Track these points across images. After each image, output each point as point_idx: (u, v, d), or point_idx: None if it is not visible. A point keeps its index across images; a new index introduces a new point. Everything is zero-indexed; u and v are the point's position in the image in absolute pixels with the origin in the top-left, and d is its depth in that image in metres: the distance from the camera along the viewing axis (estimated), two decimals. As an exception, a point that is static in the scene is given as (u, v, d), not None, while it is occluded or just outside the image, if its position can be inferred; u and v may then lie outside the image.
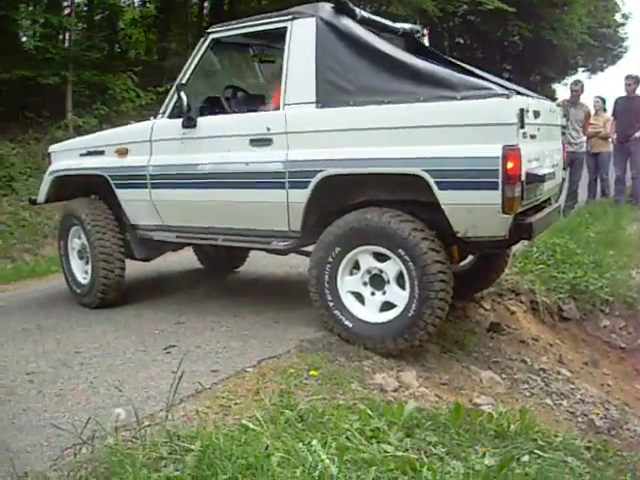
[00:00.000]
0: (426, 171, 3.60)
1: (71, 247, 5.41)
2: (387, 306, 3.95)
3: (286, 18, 4.25)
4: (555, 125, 4.60)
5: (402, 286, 3.84)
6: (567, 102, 9.25)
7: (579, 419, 4.14)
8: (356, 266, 4.01)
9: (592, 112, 9.77)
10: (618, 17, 36.82)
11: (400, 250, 3.72)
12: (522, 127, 3.52)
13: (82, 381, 3.54)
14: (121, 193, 4.99)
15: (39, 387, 3.50)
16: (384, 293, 3.95)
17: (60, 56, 12.27)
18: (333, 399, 3.20)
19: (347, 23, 4.10)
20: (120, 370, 3.67)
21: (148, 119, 4.97)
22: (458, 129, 3.58)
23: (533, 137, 3.81)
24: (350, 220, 3.90)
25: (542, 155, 4.02)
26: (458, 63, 4.47)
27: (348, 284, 4.02)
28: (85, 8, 14.30)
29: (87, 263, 5.21)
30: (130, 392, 3.29)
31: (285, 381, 3.37)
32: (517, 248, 6.45)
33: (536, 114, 3.90)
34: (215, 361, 3.70)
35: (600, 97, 10.17)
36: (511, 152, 3.41)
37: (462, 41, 29.97)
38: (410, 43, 4.86)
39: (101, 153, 5.12)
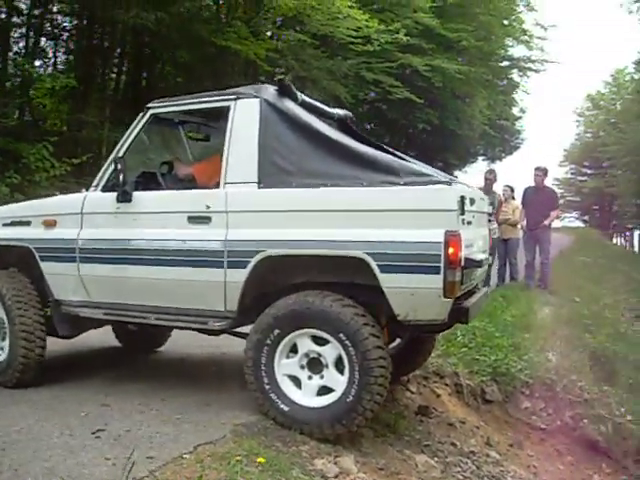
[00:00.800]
0: (368, 254, 3.66)
1: None
2: (324, 390, 3.91)
3: (229, 97, 4.31)
4: (484, 212, 4.80)
5: (341, 371, 3.82)
6: (480, 190, 9.70)
7: (512, 503, 4.18)
8: (293, 349, 3.96)
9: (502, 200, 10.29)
10: (516, 111, 39.36)
11: (341, 335, 3.72)
12: (462, 213, 3.67)
13: (5, 468, 3.27)
14: (46, 266, 4.77)
15: (-45, 475, 3.23)
16: (322, 377, 3.91)
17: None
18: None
19: (290, 106, 4.20)
20: (47, 456, 3.42)
21: (66, 191, 4.88)
22: (401, 214, 3.69)
23: (469, 223, 3.97)
24: (290, 302, 3.88)
25: (475, 241, 4.18)
26: (389, 149, 4.63)
27: (285, 367, 3.97)
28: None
29: (3, 339, 4.92)
30: (63, 481, 3.09)
31: (225, 468, 3.26)
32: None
33: (472, 201, 4.08)
34: (149, 447, 3.53)
35: (509, 186, 10.73)
36: (452, 237, 3.53)
37: (370, 127, 31.14)
38: (344, 128, 5.00)
39: (27, 224, 4.93)
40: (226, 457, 3.42)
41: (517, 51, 30.89)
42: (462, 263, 3.62)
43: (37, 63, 14.36)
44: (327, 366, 3.87)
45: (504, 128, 39.86)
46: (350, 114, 5.20)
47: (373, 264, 3.65)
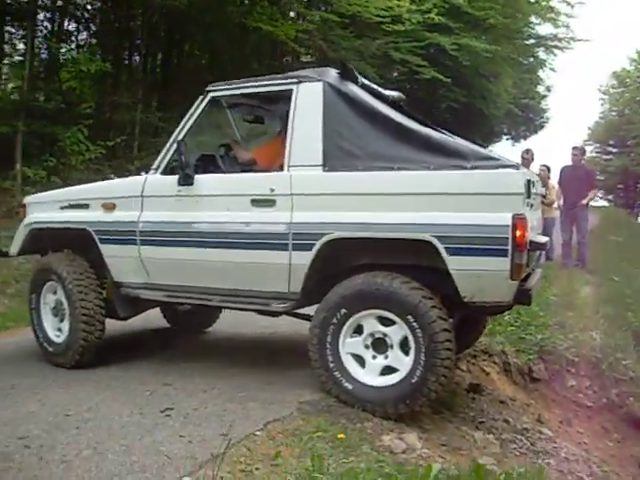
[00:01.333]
0: (435, 237, 3.70)
1: (44, 302, 5.21)
2: (388, 370, 3.97)
3: (292, 81, 4.34)
4: (539, 194, 4.83)
5: (406, 352, 3.88)
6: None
7: (569, 477, 4.24)
8: (358, 329, 4.03)
9: (539, 180, 10.25)
10: (541, 89, 38.94)
11: (409, 316, 3.78)
12: (529, 197, 3.71)
13: (84, 446, 3.38)
14: (106, 249, 4.86)
15: (38, 453, 3.32)
16: (386, 357, 3.98)
17: (10, 104, 12.08)
18: (350, 462, 3.21)
19: (353, 89, 4.23)
20: (123, 435, 3.53)
21: (102, 175, 4.96)
22: (468, 197, 3.72)
23: (532, 206, 4.01)
24: (359, 283, 3.93)
25: (536, 224, 4.22)
26: (444, 131, 4.67)
27: (350, 346, 4.03)
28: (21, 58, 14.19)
29: (62, 321, 5.05)
30: (141, 458, 3.20)
31: (297, 445, 3.36)
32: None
33: (534, 184, 4.11)
34: (220, 425, 3.63)
35: (545, 165, 10.68)
36: (520, 221, 3.57)
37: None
38: (398, 110, 5.04)
39: (85, 207, 5.01)
40: (296, 434, 3.52)
41: (543, 29, 30.47)
42: (527, 246, 3.67)
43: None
44: (392, 346, 3.93)
45: (529, 107, 39.52)
46: (403, 96, 5.20)
47: (440, 247, 3.69)
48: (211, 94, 4.63)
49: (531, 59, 32.21)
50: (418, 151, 3.92)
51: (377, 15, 16.99)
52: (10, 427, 3.72)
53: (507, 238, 3.57)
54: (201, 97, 4.64)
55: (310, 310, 4.37)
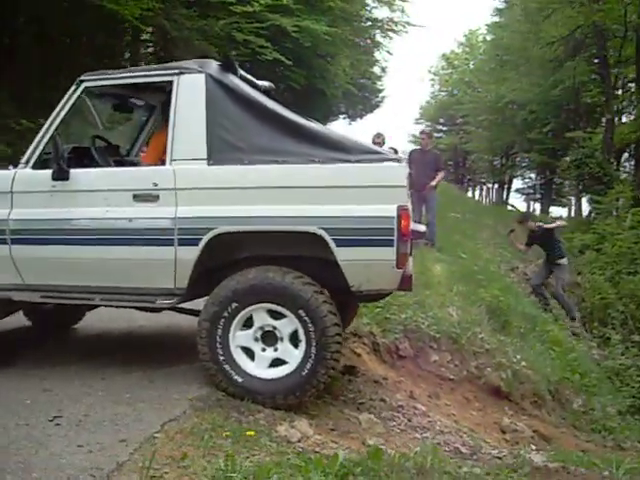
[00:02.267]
0: (324, 229, 3.82)
1: None
2: (277, 362, 4.07)
3: (171, 72, 4.26)
4: None
5: (295, 345, 3.99)
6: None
7: (445, 449, 4.54)
8: (248, 322, 4.08)
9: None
10: (377, 70, 40.36)
11: (301, 311, 3.88)
12: (410, 189, 3.90)
13: None
14: None
15: None
16: (275, 350, 4.07)
17: None
18: (255, 457, 3.26)
19: (235, 81, 4.22)
20: (14, 450, 3.31)
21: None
22: (354, 190, 3.88)
23: (410, 196, 4.21)
24: (251, 277, 3.97)
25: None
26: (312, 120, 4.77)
27: (239, 339, 4.08)
28: None
29: None
30: (44, 475, 3.02)
31: (200, 444, 3.36)
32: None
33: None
34: (115, 430, 3.54)
35: (393, 148, 11.13)
36: (404, 212, 3.78)
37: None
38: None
39: None
40: (195, 432, 3.53)
41: (380, 13, 31.53)
42: (411, 235, 3.87)
43: None
44: (282, 339, 4.03)
45: (365, 87, 40.87)
46: (273, 85, 5.23)
47: (329, 239, 3.82)
48: (85, 84, 4.42)
49: (368, 41, 33.28)
50: (302, 144, 4.01)
51: (221, -6, 16.81)
52: None
53: (393, 229, 3.77)
54: (74, 87, 4.41)
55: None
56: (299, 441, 3.69)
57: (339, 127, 43.51)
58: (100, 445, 3.32)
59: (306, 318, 3.87)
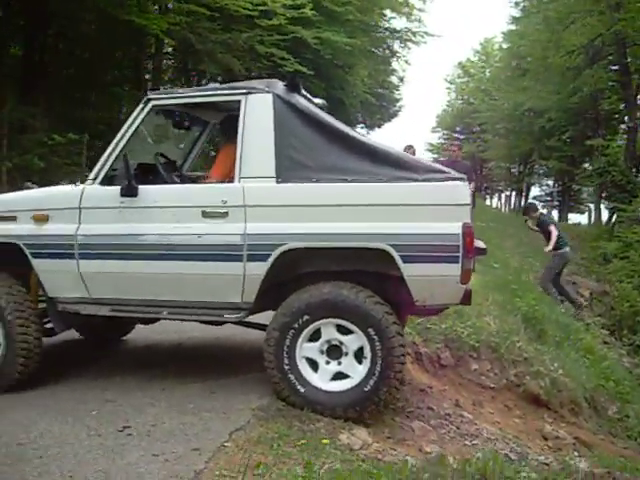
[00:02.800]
0: (391, 246, 3.97)
1: None
2: (340, 376, 4.20)
3: (240, 92, 4.42)
4: None
5: (359, 360, 4.13)
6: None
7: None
8: (315, 334, 4.21)
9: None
10: (395, 80, 40.52)
11: (370, 329, 4.02)
12: (474, 207, 4.06)
13: (59, 476, 3.29)
14: (40, 263, 4.65)
15: (6, 485, 3.24)
16: (339, 364, 4.20)
17: None
18: (326, 464, 3.41)
19: (300, 100, 4.37)
20: (92, 460, 3.46)
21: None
22: (421, 208, 4.03)
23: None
24: (325, 292, 4.11)
25: None
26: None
27: (306, 350, 4.21)
28: None
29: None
30: (125, 483, 3.19)
31: (269, 452, 3.51)
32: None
33: None
34: (185, 439, 3.70)
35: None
36: (468, 229, 3.93)
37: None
38: None
39: (12, 219, 4.76)
40: (262, 441, 3.67)
41: (398, 23, 31.77)
42: (475, 252, 4.05)
43: None
44: (347, 354, 4.16)
45: (383, 96, 41.03)
46: (326, 103, 5.40)
47: (396, 255, 3.97)
48: (153, 102, 4.57)
49: (386, 51, 33.47)
50: (368, 163, 4.15)
51: (246, 8, 17.03)
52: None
53: (458, 246, 3.91)
54: (141, 105, 4.56)
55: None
56: (361, 448, 3.83)
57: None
58: (175, 454, 3.47)
59: (375, 336, 4.01)
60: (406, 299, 4.12)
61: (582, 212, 41.67)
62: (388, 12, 29.44)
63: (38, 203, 4.79)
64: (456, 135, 55.17)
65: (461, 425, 5.05)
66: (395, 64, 36.49)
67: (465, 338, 6.54)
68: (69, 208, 4.60)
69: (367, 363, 4.08)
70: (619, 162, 18.96)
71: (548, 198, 42.99)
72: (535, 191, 43.52)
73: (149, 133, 5.30)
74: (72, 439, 3.78)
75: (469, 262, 3.96)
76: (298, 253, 4.16)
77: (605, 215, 25.63)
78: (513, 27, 36.72)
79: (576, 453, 5.42)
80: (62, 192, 4.90)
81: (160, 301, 4.54)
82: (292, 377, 4.19)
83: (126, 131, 4.55)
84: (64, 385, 4.84)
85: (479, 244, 4.33)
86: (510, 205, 43.86)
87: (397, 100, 44.65)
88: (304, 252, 4.17)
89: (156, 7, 17.68)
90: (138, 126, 4.59)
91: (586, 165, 30.80)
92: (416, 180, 4.07)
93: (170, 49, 21.96)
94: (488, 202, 48.52)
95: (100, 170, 4.58)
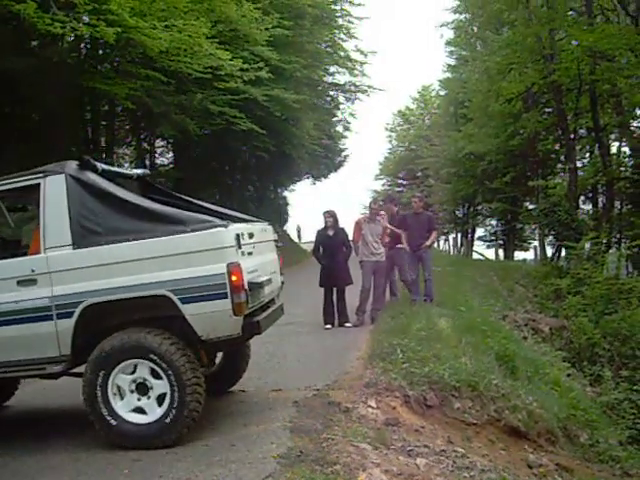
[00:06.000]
0: (170, 291, 4.71)
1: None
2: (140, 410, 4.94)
3: (39, 175, 5.14)
4: (268, 241, 6.01)
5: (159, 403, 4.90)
6: (366, 219, 10.65)
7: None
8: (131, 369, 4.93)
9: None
10: (340, 129, 41.66)
11: (169, 371, 4.78)
12: (240, 247, 4.83)
13: None
14: None
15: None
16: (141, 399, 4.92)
17: None
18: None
19: (91, 176, 5.11)
20: None
21: None
22: (192, 255, 4.77)
23: (250, 253, 5.14)
24: (124, 337, 4.85)
25: (260, 266, 5.35)
26: (183, 197, 6.00)
27: (119, 381, 4.92)
28: None
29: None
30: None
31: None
32: (366, 352, 7.61)
33: (250, 235, 5.22)
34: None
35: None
36: (233, 268, 4.66)
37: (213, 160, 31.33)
38: (143, 184, 6.11)
39: None
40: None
41: (342, 77, 32.95)
42: (246, 287, 4.74)
43: None
44: (149, 397, 4.90)
45: (329, 147, 42.00)
46: (147, 171, 6.37)
47: (174, 298, 4.69)
48: None
49: (331, 103, 34.55)
50: (146, 222, 4.89)
51: (199, 71, 17.52)
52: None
53: (225, 283, 4.66)
54: None
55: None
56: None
57: (303, 188, 44.43)
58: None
59: (172, 377, 4.76)
60: (194, 336, 4.82)
61: (526, 249, 43.07)
62: (332, 68, 30.71)
63: None
64: (399, 181, 56.52)
65: (456, 459, 5.48)
66: (339, 114, 37.70)
67: (446, 379, 7.01)
68: None
69: (167, 399, 4.81)
70: (562, 202, 19.97)
71: (493, 237, 44.21)
72: (480, 231, 44.76)
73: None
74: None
75: (238, 296, 4.67)
76: (101, 307, 4.83)
77: (549, 252, 26.62)
78: (449, 75, 38.49)
79: (560, 478, 5.91)
80: None
81: None
82: (105, 411, 4.82)
83: None
84: (82, 446, 5.10)
85: (257, 279, 5.05)
86: (457, 247, 45.02)
87: (342, 150, 45.92)
88: (103, 306, 4.82)
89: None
90: None
91: (527, 204, 31.95)
92: (185, 231, 4.77)
93: (119, 109, 22.16)
94: (435, 245, 49.72)
95: None
